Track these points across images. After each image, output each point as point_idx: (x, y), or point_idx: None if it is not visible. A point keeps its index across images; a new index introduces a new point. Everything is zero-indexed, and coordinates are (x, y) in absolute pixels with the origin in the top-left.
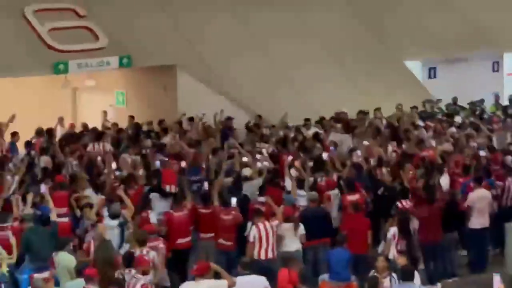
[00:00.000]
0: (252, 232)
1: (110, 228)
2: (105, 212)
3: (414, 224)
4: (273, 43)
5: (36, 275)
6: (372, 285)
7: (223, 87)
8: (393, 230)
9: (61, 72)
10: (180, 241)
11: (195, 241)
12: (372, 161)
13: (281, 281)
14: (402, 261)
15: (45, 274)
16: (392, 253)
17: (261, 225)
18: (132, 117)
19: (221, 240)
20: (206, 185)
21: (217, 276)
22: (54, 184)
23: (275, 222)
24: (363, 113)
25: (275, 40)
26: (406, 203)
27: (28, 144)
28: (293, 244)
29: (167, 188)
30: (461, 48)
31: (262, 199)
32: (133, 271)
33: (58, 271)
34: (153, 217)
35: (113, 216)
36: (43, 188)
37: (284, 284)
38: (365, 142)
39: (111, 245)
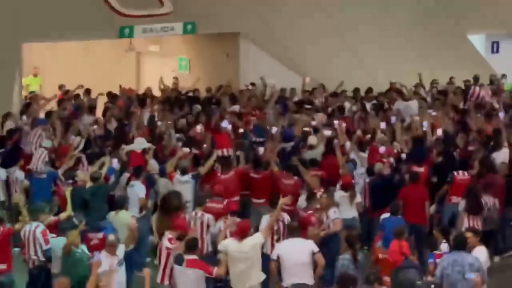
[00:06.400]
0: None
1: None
2: None
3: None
4: (339, 12)
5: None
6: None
7: (285, 55)
8: (463, 204)
9: (126, 37)
10: (212, 205)
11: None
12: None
13: (392, 253)
14: (471, 239)
15: (99, 235)
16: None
17: None
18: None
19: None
20: (261, 149)
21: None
22: None
23: None
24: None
25: (340, 9)
26: (463, 174)
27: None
28: (348, 212)
29: (220, 152)
30: None
31: None
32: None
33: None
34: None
35: (183, 171)
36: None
37: (396, 257)
38: (432, 113)
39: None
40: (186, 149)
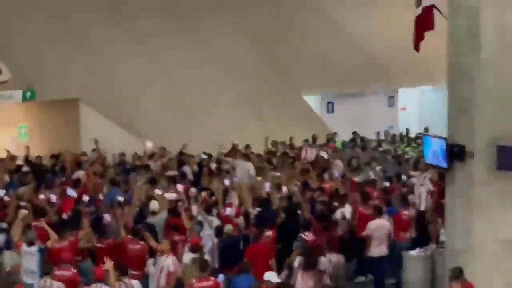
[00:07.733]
0: None
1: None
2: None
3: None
4: (178, 75)
5: None
6: None
7: (126, 119)
8: (298, 260)
9: None
10: (60, 272)
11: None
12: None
13: None
14: None
15: None
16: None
17: None
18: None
19: (130, 271)
20: (107, 217)
21: None
22: None
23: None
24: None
25: (180, 72)
26: (308, 235)
27: None
28: None
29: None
30: (358, 83)
31: None
32: None
33: None
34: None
35: (29, 243)
36: None
37: None
38: (276, 174)
39: None
40: (23, 211)
